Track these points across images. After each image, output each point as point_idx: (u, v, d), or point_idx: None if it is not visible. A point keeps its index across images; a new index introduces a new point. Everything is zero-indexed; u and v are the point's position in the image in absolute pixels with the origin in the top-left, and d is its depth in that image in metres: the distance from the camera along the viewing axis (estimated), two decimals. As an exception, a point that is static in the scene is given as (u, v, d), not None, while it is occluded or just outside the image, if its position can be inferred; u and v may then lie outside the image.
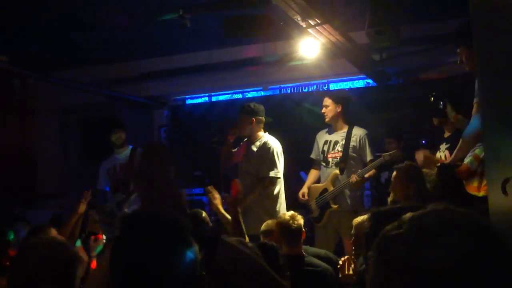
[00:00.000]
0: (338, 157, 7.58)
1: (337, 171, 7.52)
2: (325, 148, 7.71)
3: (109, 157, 8.40)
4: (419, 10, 7.99)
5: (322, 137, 7.84)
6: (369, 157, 7.51)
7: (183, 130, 11.22)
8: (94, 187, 8.33)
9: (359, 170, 7.37)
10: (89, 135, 11.45)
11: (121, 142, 8.23)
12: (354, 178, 7.28)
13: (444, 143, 6.64)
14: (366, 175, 7.38)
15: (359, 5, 7.14)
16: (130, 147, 8.27)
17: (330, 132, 7.78)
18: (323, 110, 7.69)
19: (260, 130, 7.51)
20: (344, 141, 7.57)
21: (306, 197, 7.75)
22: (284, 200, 7.33)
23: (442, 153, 6.65)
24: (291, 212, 5.70)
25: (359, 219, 5.20)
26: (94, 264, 6.22)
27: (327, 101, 7.68)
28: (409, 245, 1.21)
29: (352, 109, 8.49)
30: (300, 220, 5.58)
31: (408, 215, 1.28)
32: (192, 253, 1.97)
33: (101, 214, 7.97)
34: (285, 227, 5.47)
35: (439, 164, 5.58)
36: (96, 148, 10.10)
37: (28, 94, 10.40)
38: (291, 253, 5.26)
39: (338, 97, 7.79)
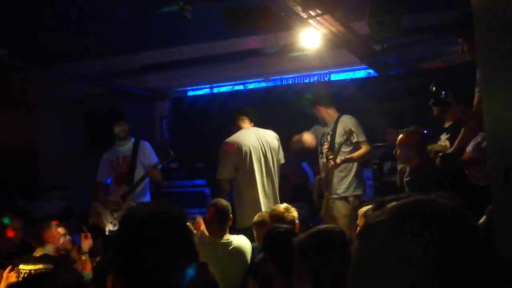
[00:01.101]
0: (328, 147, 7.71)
1: (324, 160, 7.62)
2: (322, 140, 7.85)
3: (110, 150, 8.39)
4: (420, 0, 7.98)
5: (320, 130, 7.97)
6: (361, 138, 7.59)
7: (184, 121, 11.24)
8: (94, 179, 8.36)
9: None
10: (91, 127, 11.46)
11: (124, 134, 8.22)
12: (330, 162, 7.37)
13: (445, 133, 6.64)
14: (348, 156, 7.44)
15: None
16: (133, 139, 8.27)
17: (324, 125, 7.92)
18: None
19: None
20: (332, 131, 7.68)
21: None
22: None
23: (443, 143, 6.66)
24: (285, 204, 5.74)
25: (364, 209, 5.23)
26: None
27: (312, 110, 7.84)
28: (387, 233, 1.22)
29: (353, 99, 8.53)
30: (294, 212, 5.61)
31: (392, 203, 1.28)
32: (193, 246, 2.00)
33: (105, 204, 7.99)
34: (279, 219, 5.49)
35: (440, 153, 5.59)
36: (98, 140, 10.12)
37: (29, 88, 10.40)
38: None
39: (311, 101, 7.99)
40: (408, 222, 1.21)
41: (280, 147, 7.86)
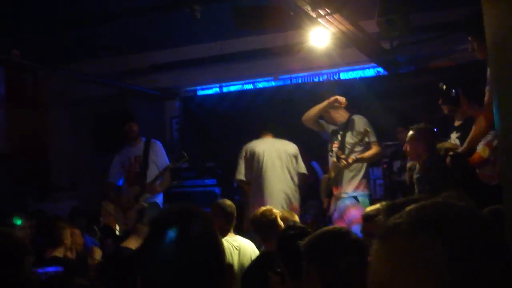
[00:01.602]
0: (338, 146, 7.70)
1: (335, 159, 7.62)
2: (332, 139, 7.82)
3: (121, 150, 8.41)
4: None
5: (330, 129, 7.95)
6: (372, 139, 7.59)
7: (194, 121, 11.25)
8: (105, 179, 8.38)
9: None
10: (101, 127, 11.50)
11: (135, 135, 8.24)
12: (342, 162, 7.37)
13: (455, 132, 6.63)
14: (359, 156, 7.43)
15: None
16: (144, 139, 8.29)
17: (336, 124, 7.90)
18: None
19: None
20: (342, 131, 7.67)
21: None
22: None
23: (453, 142, 6.64)
24: (264, 208, 5.69)
25: (369, 209, 5.23)
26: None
27: None
28: (405, 235, 1.23)
29: (363, 97, 8.52)
30: (273, 215, 5.52)
31: (410, 206, 1.30)
32: (218, 243, 2.03)
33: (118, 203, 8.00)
34: (257, 222, 5.45)
35: (451, 152, 5.58)
36: (109, 140, 10.15)
37: (40, 87, 10.45)
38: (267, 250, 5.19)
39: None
40: (428, 224, 1.23)
41: (299, 157, 8.09)
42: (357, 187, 7.59)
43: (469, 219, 1.25)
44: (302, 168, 8.06)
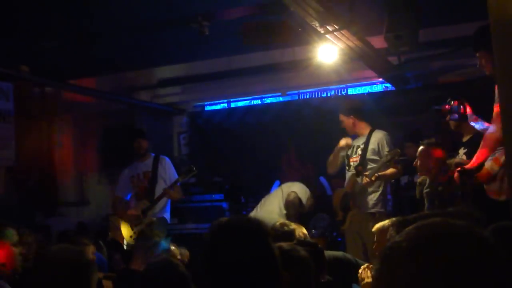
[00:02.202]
0: (357, 161, 7.62)
1: (354, 174, 7.57)
2: (349, 152, 7.77)
3: (130, 165, 8.45)
4: (437, 14, 7.97)
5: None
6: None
7: (202, 136, 11.27)
8: (112, 194, 8.41)
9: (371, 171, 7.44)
10: (109, 142, 11.53)
11: (144, 151, 8.29)
12: (364, 179, 7.32)
13: (462, 148, 6.62)
14: (381, 173, 7.39)
15: (377, 10, 7.14)
16: (153, 154, 8.33)
17: (354, 138, 7.84)
18: (342, 126, 7.83)
19: None
20: (363, 145, 7.62)
21: None
22: None
23: (461, 157, 6.63)
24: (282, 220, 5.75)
25: (379, 225, 5.21)
26: None
27: (341, 116, 7.85)
28: (405, 254, 1.26)
29: (371, 113, 8.51)
30: (291, 226, 5.53)
31: (410, 227, 1.34)
32: (272, 248, 2.22)
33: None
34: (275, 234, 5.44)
35: (459, 168, 5.58)
36: (116, 155, 10.18)
37: (49, 102, 10.49)
38: None
39: (347, 108, 7.90)
40: (426, 244, 1.26)
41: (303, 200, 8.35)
42: (375, 204, 7.54)
43: (466, 238, 1.28)
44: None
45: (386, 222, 4.95)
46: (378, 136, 7.65)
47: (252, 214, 8.42)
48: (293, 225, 5.58)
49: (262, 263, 2.19)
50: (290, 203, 8.22)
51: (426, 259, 1.23)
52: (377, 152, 7.57)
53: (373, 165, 7.52)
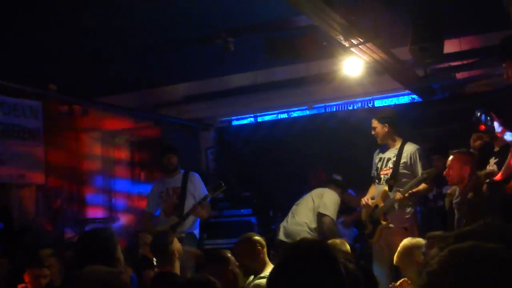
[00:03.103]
0: (389, 174, 7.57)
1: (386, 188, 7.51)
2: (379, 165, 7.70)
3: (159, 181, 8.52)
4: (461, 24, 7.95)
5: (378, 154, 7.85)
6: (420, 171, 7.49)
7: (229, 151, 11.29)
8: (140, 210, 8.46)
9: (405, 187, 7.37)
10: (137, 157, 11.63)
11: (174, 166, 8.35)
12: (398, 195, 7.27)
13: (493, 157, 6.59)
14: (414, 190, 7.33)
15: (401, 22, 7.14)
16: (182, 170, 8.38)
17: (384, 149, 7.77)
18: (373, 132, 7.71)
19: None
20: (395, 157, 7.56)
21: (369, 202, 7.76)
22: None
23: (491, 167, 6.59)
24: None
25: (407, 242, 5.21)
26: None
27: (374, 122, 7.69)
28: (437, 275, 1.35)
29: (399, 125, 8.49)
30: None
31: (445, 250, 1.42)
32: (339, 271, 2.28)
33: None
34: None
35: (488, 180, 5.54)
36: (144, 170, 10.25)
37: (76, 118, 10.61)
38: None
39: (383, 117, 7.78)
40: (458, 266, 1.34)
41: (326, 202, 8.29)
42: (407, 219, 7.49)
43: (495, 262, 1.32)
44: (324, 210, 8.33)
45: (415, 240, 4.97)
46: (410, 150, 7.57)
47: (282, 225, 8.43)
48: (337, 241, 5.63)
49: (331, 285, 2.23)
50: (327, 229, 8.23)
51: (456, 282, 1.31)
52: (409, 166, 7.51)
53: (405, 179, 7.46)
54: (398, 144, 7.63)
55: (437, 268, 1.35)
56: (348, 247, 6.04)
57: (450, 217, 6.90)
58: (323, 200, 8.34)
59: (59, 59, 8.51)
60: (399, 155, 7.55)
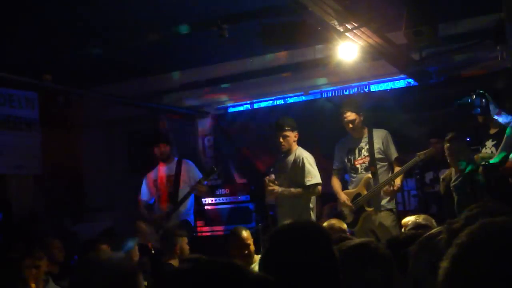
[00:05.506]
0: (366, 162, 7.66)
1: (369, 175, 7.59)
2: (350, 156, 7.80)
3: (153, 169, 8.53)
4: (456, 7, 7.93)
5: (343, 146, 7.94)
6: (394, 154, 7.65)
7: (226, 138, 11.28)
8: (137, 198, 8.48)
9: (389, 174, 7.50)
10: (135, 147, 11.61)
11: (166, 156, 8.36)
12: (385, 188, 7.38)
13: (490, 140, 6.61)
14: (399, 182, 7.46)
15: (395, 5, 7.12)
16: (176, 159, 8.39)
17: (350, 140, 7.87)
18: (350, 124, 7.80)
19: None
20: (368, 145, 7.65)
21: (347, 202, 7.79)
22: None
23: (489, 150, 6.61)
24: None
25: (408, 220, 5.24)
26: None
27: (350, 114, 7.86)
28: (474, 251, 1.39)
29: (394, 109, 8.51)
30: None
31: (475, 224, 1.47)
32: (332, 252, 2.31)
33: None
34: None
35: (483, 163, 5.56)
36: (142, 160, 10.25)
37: (72, 109, 10.61)
38: None
39: (357, 106, 7.93)
40: (491, 242, 1.39)
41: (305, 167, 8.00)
42: (391, 199, 7.62)
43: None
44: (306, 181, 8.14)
45: (412, 219, 4.98)
46: (381, 135, 7.70)
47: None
48: (333, 221, 5.67)
49: (324, 266, 2.24)
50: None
51: (475, 261, 1.35)
52: (382, 150, 7.64)
53: (381, 163, 7.59)
54: (365, 133, 7.74)
55: (467, 240, 1.40)
56: (345, 225, 6.08)
57: (446, 200, 6.93)
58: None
59: (54, 49, 8.48)
60: (370, 142, 7.66)
